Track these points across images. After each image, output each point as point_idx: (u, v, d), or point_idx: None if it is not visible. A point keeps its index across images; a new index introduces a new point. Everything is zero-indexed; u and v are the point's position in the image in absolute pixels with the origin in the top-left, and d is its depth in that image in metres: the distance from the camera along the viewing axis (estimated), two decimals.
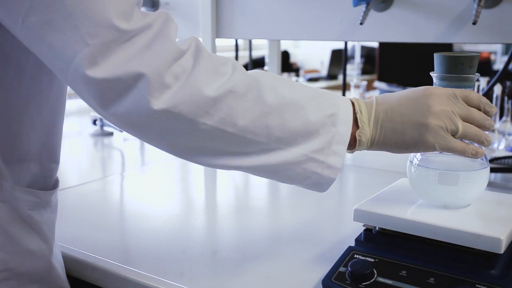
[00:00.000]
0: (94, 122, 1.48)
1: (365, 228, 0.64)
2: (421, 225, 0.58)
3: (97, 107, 0.54)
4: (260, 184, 1.07)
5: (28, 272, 0.63)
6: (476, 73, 0.63)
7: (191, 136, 0.56)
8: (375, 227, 0.63)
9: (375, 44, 3.76)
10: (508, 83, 1.21)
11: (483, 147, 0.62)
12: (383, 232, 0.62)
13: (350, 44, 2.96)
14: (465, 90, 0.62)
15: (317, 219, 0.84)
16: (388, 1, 0.90)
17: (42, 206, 0.65)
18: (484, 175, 0.63)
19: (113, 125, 0.60)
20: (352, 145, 0.62)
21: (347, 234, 0.75)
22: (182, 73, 0.52)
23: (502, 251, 0.54)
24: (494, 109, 0.63)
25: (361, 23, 0.89)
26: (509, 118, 1.26)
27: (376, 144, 0.63)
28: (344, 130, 0.60)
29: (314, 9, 0.99)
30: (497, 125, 1.27)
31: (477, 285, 0.53)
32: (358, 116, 0.61)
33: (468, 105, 0.61)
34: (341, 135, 0.60)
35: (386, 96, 0.64)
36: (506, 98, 1.23)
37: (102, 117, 0.60)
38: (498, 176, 1.06)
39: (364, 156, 1.29)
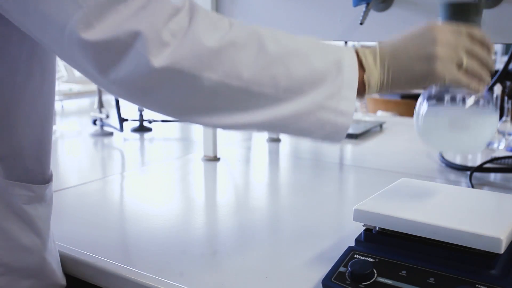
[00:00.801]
0: (94, 122, 1.48)
1: (365, 228, 0.64)
2: (421, 225, 0.58)
3: (97, 74, 0.52)
4: (260, 184, 1.07)
5: (22, 267, 0.63)
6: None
7: (196, 94, 0.54)
8: (375, 227, 0.63)
9: (375, 44, 3.76)
10: (508, 83, 1.21)
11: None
12: (383, 232, 0.62)
13: (350, 44, 2.95)
14: (469, 27, 0.61)
15: (317, 219, 0.84)
16: (388, 1, 0.90)
17: (36, 200, 0.65)
18: (494, 117, 0.63)
19: (116, 95, 0.58)
20: (362, 90, 0.60)
21: (347, 234, 0.75)
22: (179, 30, 0.51)
23: (502, 251, 0.54)
24: (493, 49, 0.63)
25: (361, 23, 0.89)
26: (509, 118, 1.26)
27: (385, 86, 0.61)
28: (351, 75, 0.59)
29: (314, 9, 0.99)
30: (497, 125, 1.27)
31: (477, 285, 0.53)
32: (363, 60, 0.60)
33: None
34: (349, 80, 0.59)
35: (388, 40, 0.63)
36: (506, 98, 1.23)
37: (101, 87, 0.56)
38: (498, 176, 1.07)
39: (364, 156, 1.29)
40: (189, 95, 0.54)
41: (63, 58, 0.55)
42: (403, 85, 0.62)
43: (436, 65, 0.59)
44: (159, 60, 0.50)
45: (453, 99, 0.63)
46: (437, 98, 0.64)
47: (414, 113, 0.65)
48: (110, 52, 0.50)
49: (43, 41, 0.53)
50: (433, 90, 0.64)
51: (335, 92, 0.58)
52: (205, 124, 0.59)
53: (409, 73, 0.60)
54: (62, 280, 0.69)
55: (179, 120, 0.58)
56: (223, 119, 0.57)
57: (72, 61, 0.53)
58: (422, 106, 0.65)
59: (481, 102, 0.62)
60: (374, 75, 0.60)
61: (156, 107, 0.56)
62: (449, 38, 0.60)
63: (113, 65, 0.50)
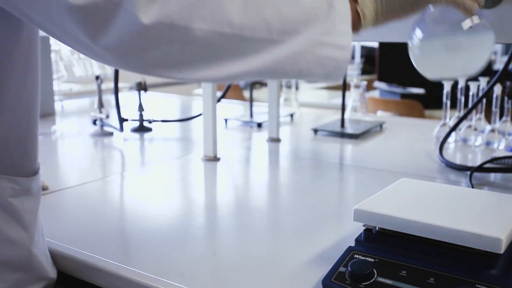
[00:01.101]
0: (94, 122, 1.48)
1: (365, 228, 0.64)
2: (421, 225, 0.58)
3: (89, 41, 0.51)
4: (260, 184, 1.07)
5: (8, 260, 0.63)
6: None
7: (190, 46, 0.53)
8: (375, 227, 0.63)
9: (375, 44, 3.76)
10: (508, 83, 1.21)
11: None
12: (383, 232, 0.62)
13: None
14: None
15: (317, 219, 0.84)
16: None
17: (23, 193, 0.65)
18: (490, 38, 0.63)
19: (110, 64, 0.56)
20: (358, 22, 0.60)
21: (347, 234, 0.75)
22: None
23: (502, 251, 0.54)
24: None
25: None
26: (509, 118, 1.26)
27: (381, 15, 0.61)
28: (343, 9, 0.59)
29: None
30: (497, 125, 1.27)
31: (477, 285, 0.53)
32: None
33: None
34: (342, 14, 0.59)
35: None
36: (506, 98, 1.23)
37: (94, 57, 0.55)
38: (498, 176, 1.07)
39: (364, 156, 1.29)
40: (183, 48, 0.53)
41: (53, 30, 0.54)
42: (398, 11, 0.61)
43: None
44: (148, 16, 0.49)
45: (446, 22, 0.63)
46: (431, 22, 0.63)
47: (408, 41, 0.64)
48: (99, 14, 0.49)
49: (30, 15, 0.53)
50: (426, 14, 0.63)
51: (330, 28, 0.58)
52: (204, 79, 0.58)
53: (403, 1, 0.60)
54: (51, 273, 0.69)
55: (177, 79, 0.57)
56: (221, 70, 0.56)
57: (62, 32, 0.52)
58: (415, 32, 0.64)
59: (476, 22, 0.62)
60: (367, 5, 0.60)
61: (152, 67, 0.55)
62: None
63: (104, 28, 0.50)
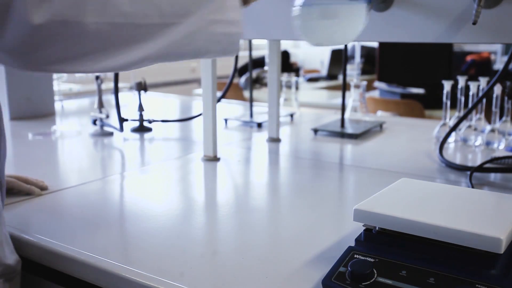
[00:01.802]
0: (94, 122, 1.48)
1: (365, 228, 0.64)
2: (421, 225, 0.58)
3: None
4: (260, 184, 1.07)
5: None
6: None
7: (86, 40, 0.54)
8: (375, 227, 0.63)
9: (375, 44, 3.77)
10: (508, 83, 1.21)
11: None
12: (383, 232, 0.62)
13: (350, 44, 2.96)
14: None
15: (317, 219, 0.84)
16: (388, 1, 0.90)
17: None
18: (363, 8, 0.68)
19: (9, 66, 0.58)
20: (244, 1, 0.65)
21: (347, 234, 0.75)
22: None
23: (502, 251, 0.54)
24: None
25: None
26: (509, 118, 1.26)
27: None
28: None
29: None
30: (497, 125, 1.27)
31: (477, 285, 0.53)
32: None
33: None
34: None
35: None
36: (506, 98, 1.23)
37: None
38: (498, 176, 1.07)
39: (364, 156, 1.29)
40: (79, 43, 0.54)
41: None
42: None
43: None
44: (39, 15, 0.50)
45: None
46: None
47: (292, 11, 0.69)
48: None
49: None
50: None
51: (219, 5, 0.61)
52: (103, 69, 0.59)
53: None
54: (9, 260, 0.69)
55: (78, 72, 0.59)
56: (119, 59, 0.57)
57: None
58: (298, 1, 0.69)
59: None
60: None
61: (50, 65, 0.55)
62: None
63: None
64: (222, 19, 0.62)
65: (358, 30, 0.69)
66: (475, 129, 1.32)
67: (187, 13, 0.59)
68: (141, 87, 1.52)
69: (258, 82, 3.77)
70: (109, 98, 1.83)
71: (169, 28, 0.58)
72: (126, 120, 1.47)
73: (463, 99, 1.34)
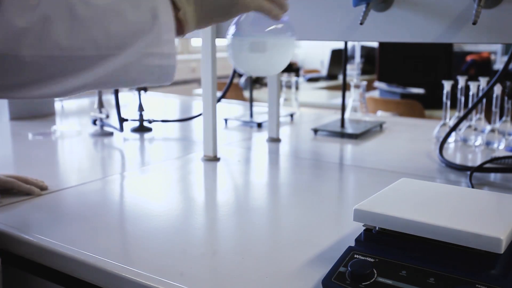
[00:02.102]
0: (94, 122, 1.48)
1: (365, 228, 0.64)
2: (421, 225, 0.58)
3: None
4: (260, 184, 1.07)
5: None
6: None
7: (22, 71, 0.57)
8: (375, 227, 0.63)
9: (375, 44, 3.77)
10: (508, 83, 1.21)
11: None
12: (383, 232, 0.62)
13: (350, 44, 2.96)
14: None
15: (317, 219, 0.84)
16: (388, 1, 0.90)
17: None
18: (292, 41, 0.72)
19: None
20: (180, 28, 0.67)
21: (347, 234, 0.75)
22: None
23: (502, 251, 0.54)
24: None
25: (361, 23, 0.89)
26: (509, 118, 1.26)
27: (203, 20, 0.68)
28: (167, 19, 0.65)
29: (314, 9, 0.99)
30: (497, 125, 1.27)
31: (477, 285, 0.53)
32: (176, 1, 0.66)
33: None
34: (166, 24, 0.64)
35: None
36: (506, 98, 1.23)
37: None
38: (498, 176, 1.07)
39: (364, 156, 1.29)
40: (16, 74, 0.57)
41: None
42: (218, 16, 0.69)
43: None
44: None
45: (255, 25, 0.72)
46: (243, 24, 0.72)
47: (226, 40, 0.74)
48: None
49: None
50: (242, 17, 0.71)
51: (155, 39, 0.64)
52: (40, 96, 0.61)
53: (219, 3, 0.68)
54: None
55: (16, 98, 0.63)
56: (56, 87, 0.60)
57: None
58: (230, 31, 0.73)
59: (279, 27, 0.71)
60: (188, 11, 0.66)
61: None
62: None
63: None
64: (157, 52, 0.64)
65: (286, 62, 0.73)
66: (475, 129, 1.32)
67: (123, 46, 0.62)
68: (141, 87, 1.52)
69: (258, 82, 3.77)
70: (109, 98, 1.83)
71: (106, 59, 0.61)
72: (126, 120, 1.47)
73: (463, 99, 1.34)
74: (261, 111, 1.75)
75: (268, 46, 0.70)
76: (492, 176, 1.06)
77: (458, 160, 1.20)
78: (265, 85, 3.66)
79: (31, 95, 0.60)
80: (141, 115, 1.51)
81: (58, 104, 1.85)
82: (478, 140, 1.31)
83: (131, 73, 0.64)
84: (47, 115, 1.77)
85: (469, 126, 1.33)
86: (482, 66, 3.06)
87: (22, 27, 0.55)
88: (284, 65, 0.73)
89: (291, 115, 1.75)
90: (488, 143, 1.29)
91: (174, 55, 0.66)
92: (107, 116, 1.46)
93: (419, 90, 2.94)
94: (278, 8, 0.70)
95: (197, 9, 0.67)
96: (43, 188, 0.96)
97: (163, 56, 0.65)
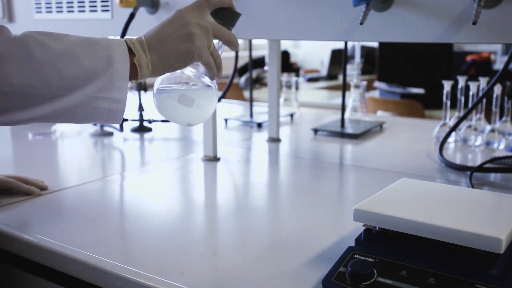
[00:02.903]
0: None
1: (365, 228, 0.64)
2: (421, 225, 0.58)
3: None
4: (260, 184, 1.07)
5: None
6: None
7: None
8: (375, 227, 0.63)
9: (375, 44, 3.77)
10: (508, 83, 1.21)
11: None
12: (383, 232, 0.62)
13: (350, 44, 2.96)
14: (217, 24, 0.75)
15: (317, 219, 0.84)
16: (388, 1, 0.90)
17: None
18: (215, 95, 0.78)
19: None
20: (135, 74, 0.69)
21: (347, 234, 0.75)
22: None
23: (502, 251, 0.54)
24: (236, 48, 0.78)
25: (361, 23, 0.89)
26: (509, 118, 1.26)
27: (158, 66, 0.71)
28: (122, 66, 0.67)
29: (314, 9, 0.99)
30: (497, 125, 1.27)
31: (477, 285, 0.53)
32: (132, 47, 0.69)
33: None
34: (120, 71, 0.67)
35: (151, 29, 0.72)
36: (506, 98, 1.23)
37: None
38: (498, 176, 1.07)
39: (364, 156, 1.29)
40: None
41: None
42: (173, 64, 0.71)
43: (195, 41, 0.70)
44: None
45: (181, 79, 0.77)
46: (170, 77, 0.76)
47: (153, 91, 0.78)
48: None
49: None
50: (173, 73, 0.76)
51: (107, 84, 0.67)
52: None
53: (175, 52, 0.70)
54: None
55: None
56: (5, 118, 0.65)
57: None
58: (156, 81, 0.77)
59: (208, 85, 0.77)
60: (143, 58, 0.69)
61: None
62: (199, 22, 0.71)
63: None
64: (107, 97, 0.67)
65: (210, 113, 0.79)
66: (475, 129, 1.32)
67: (74, 88, 0.65)
68: (141, 87, 1.52)
69: (258, 82, 3.77)
70: None
71: (56, 99, 0.65)
72: (126, 120, 1.47)
73: (463, 99, 1.34)
74: (261, 111, 1.75)
75: (194, 97, 0.76)
76: (492, 176, 1.06)
77: (458, 160, 1.20)
78: (265, 85, 3.66)
79: None
80: (141, 115, 1.51)
81: None
82: (478, 140, 1.31)
83: (79, 113, 0.67)
84: None
85: (469, 126, 1.33)
86: (482, 66, 3.06)
87: None
88: (210, 114, 0.80)
89: (291, 115, 1.75)
90: (488, 143, 1.29)
91: (124, 101, 0.69)
92: None
93: (419, 90, 2.94)
94: (217, 70, 0.75)
95: (153, 58, 0.70)
96: (43, 188, 0.96)
97: (112, 101, 0.68)
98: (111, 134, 1.46)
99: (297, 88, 2.00)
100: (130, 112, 1.57)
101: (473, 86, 1.29)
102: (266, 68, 1.49)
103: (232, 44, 0.77)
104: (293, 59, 5.46)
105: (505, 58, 1.15)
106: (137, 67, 0.69)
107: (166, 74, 0.75)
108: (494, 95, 1.25)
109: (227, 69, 1.63)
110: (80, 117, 0.68)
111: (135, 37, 0.71)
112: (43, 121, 0.68)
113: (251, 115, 1.67)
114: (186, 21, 0.70)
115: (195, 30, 0.70)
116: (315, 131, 1.50)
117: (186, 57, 0.71)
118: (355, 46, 1.78)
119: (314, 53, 5.70)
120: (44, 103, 0.65)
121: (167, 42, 0.70)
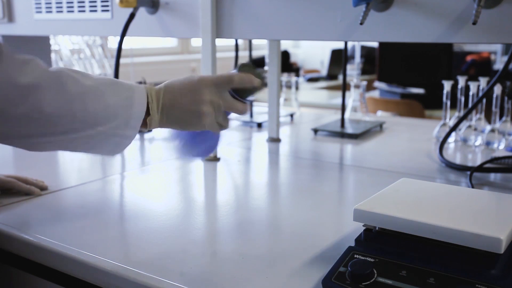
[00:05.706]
0: None
1: (365, 228, 0.64)
2: (421, 225, 0.58)
3: None
4: (260, 184, 1.07)
5: None
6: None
7: (6, 123, 0.68)
8: (375, 227, 0.63)
9: (375, 44, 3.77)
10: (508, 83, 1.21)
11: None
12: (383, 232, 0.62)
13: (350, 44, 2.96)
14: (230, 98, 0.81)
15: (317, 219, 0.84)
16: (388, 1, 0.90)
17: None
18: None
19: None
20: (144, 126, 0.76)
21: (347, 234, 0.75)
22: None
23: (502, 251, 0.54)
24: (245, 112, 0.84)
25: (361, 23, 0.89)
26: (509, 118, 1.26)
27: (164, 126, 0.79)
28: (139, 109, 0.74)
29: (314, 9, 0.99)
30: (497, 125, 1.27)
31: (477, 285, 0.53)
32: (150, 105, 0.76)
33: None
34: (137, 113, 0.74)
35: (171, 85, 0.79)
36: (506, 98, 1.23)
37: None
38: (498, 176, 1.07)
39: (364, 156, 1.29)
40: (3, 124, 0.68)
41: None
42: (177, 128, 0.81)
43: (203, 120, 0.77)
44: None
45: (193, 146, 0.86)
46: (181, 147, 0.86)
47: None
48: None
49: None
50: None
51: (124, 123, 0.73)
52: (16, 146, 0.73)
53: (182, 122, 0.78)
54: None
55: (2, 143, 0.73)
56: (26, 142, 0.71)
57: None
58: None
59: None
60: (155, 119, 0.77)
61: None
62: (213, 99, 0.77)
63: None
64: (121, 134, 0.73)
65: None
66: (475, 129, 1.32)
67: (96, 124, 0.71)
68: None
69: None
70: None
71: (76, 131, 0.71)
72: None
73: (463, 99, 1.34)
74: (261, 111, 1.75)
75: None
76: (492, 176, 1.06)
77: (458, 160, 1.20)
78: (265, 85, 3.65)
79: (6, 143, 0.72)
80: None
81: None
82: (478, 140, 1.31)
83: (91, 145, 0.74)
84: None
85: (469, 126, 1.33)
86: (482, 66, 3.06)
87: (18, 86, 0.65)
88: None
89: (291, 115, 1.75)
90: (488, 143, 1.29)
91: (133, 138, 0.75)
92: None
93: (419, 90, 2.94)
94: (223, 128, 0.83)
95: (161, 118, 0.77)
96: (43, 188, 0.96)
97: (124, 137, 0.74)
98: None
99: (297, 88, 2.00)
100: None
101: (473, 86, 1.29)
102: (266, 68, 1.49)
103: (241, 114, 0.84)
104: (293, 59, 5.46)
105: (505, 58, 1.15)
106: (147, 122, 0.76)
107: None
108: (494, 95, 1.25)
109: (227, 69, 1.63)
110: (90, 148, 0.75)
111: (154, 86, 0.78)
112: (56, 149, 0.74)
113: (251, 115, 1.67)
114: (200, 98, 0.76)
115: (206, 108, 0.77)
116: (315, 131, 1.50)
117: (191, 128, 0.79)
118: (355, 46, 1.78)
119: (314, 53, 5.70)
120: (65, 134, 0.70)
121: (178, 110, 0.77)
